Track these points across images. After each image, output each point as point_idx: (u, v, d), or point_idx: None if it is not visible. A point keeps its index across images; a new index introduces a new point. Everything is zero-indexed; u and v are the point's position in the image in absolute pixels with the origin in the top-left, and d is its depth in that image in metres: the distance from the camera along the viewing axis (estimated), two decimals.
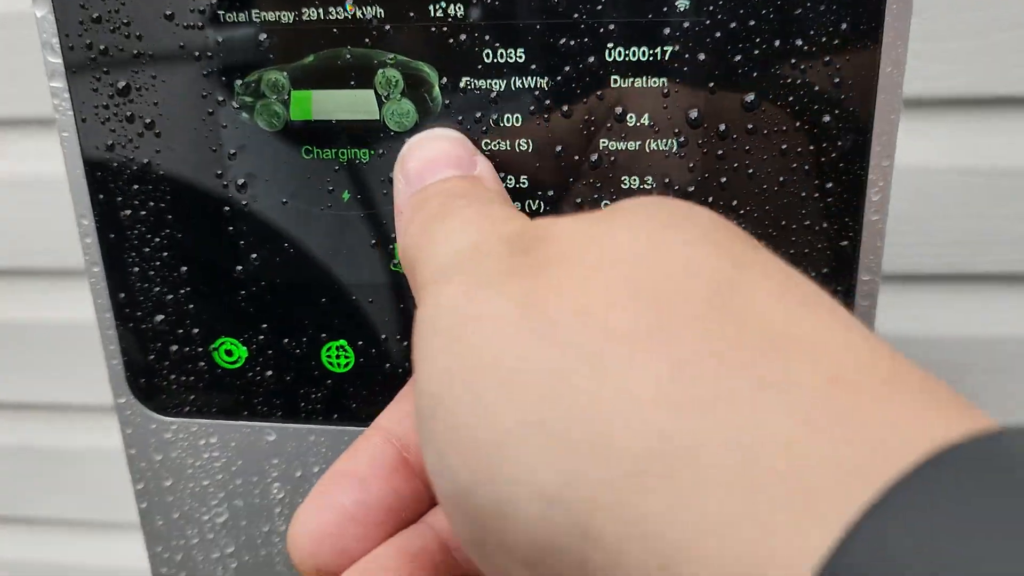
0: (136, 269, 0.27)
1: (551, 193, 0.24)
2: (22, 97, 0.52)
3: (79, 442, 0.63)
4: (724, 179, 0.24)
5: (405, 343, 0.27)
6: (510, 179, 0.24)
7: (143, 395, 0.28)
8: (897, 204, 0.49)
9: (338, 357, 0.27)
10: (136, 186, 0.26)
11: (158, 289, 0.27)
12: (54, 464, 0.64)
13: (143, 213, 0.26)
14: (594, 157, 0.24)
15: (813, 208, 0.24)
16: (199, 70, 0.24)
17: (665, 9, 0.22)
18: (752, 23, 0.22)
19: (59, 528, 0.67)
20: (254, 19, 0.24)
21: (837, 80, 0.22)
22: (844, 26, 0.22)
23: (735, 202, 0.24)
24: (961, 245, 0.49)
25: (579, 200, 0.24)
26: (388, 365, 0.27)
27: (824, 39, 0.22)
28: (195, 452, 0.29)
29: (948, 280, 0.51)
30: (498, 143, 0.24)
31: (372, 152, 0.25)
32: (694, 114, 0.23)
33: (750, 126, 0.23)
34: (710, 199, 0.24)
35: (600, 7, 0.22)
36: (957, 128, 0.47)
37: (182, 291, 0.27)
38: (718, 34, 0.22)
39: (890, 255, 0.50)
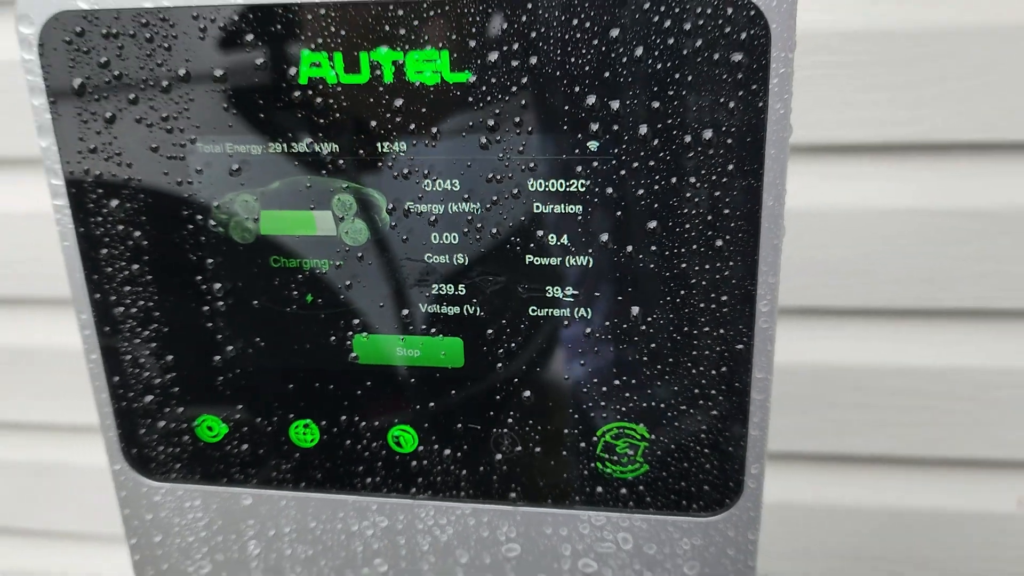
0: (129, 357, 0.30)
1: (485, 299, 0.28)
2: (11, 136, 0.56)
3: (68, 458, 0.67)
4: (632, 291, 0.27)
5: (363, 422, 0.31)
6: (449, 287, 0.28)
7: (136, 463, 0.32)
8: (866, 243, 0.52)
9: (304, 434, 0.31)
10: (127, 288, 0.30)
11: (148, 374, 0.31)
12: (44, 479, 0.68)
13: (134, 311, 0.30)
14: (521, 272, 0.28)
15: (712, 317, 0.27)
16: (181, 193, 0.28)
17: (578, 150, 0.26)
18: (651, 163, 0.26)
19: (45, 539, 0.71)
20: (228, 152, 0.27)
21: (726, 211, 0.26)
22: (730, 167, 0.25)
23: (643, 311, 0.27)
24: (928, 283, 0.53)
25: (509, 306, 0.28)
26: (349, 441, 0.31)
27: (713, 177, 0.26)
28: (181, 512, 0.33)
29: (916, 315, 0.54)
30: (440, 258, 0.28)
31: (330, 263, 0.28)
32: (604, 237, 0.27)
33: (653, 248, 0.27)
34: (622, 309, 0.27)
35: (522, 148, 0.26)
36: (921, 172, 0.51)
37: (169, 376, 0.31)
38: (623, 171, 0.26)
39: (860, 291, 0.53)
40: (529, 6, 0.25)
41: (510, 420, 0.30)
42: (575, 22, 0.25)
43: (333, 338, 0.29)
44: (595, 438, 0.30)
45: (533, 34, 0.25)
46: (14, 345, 0.64)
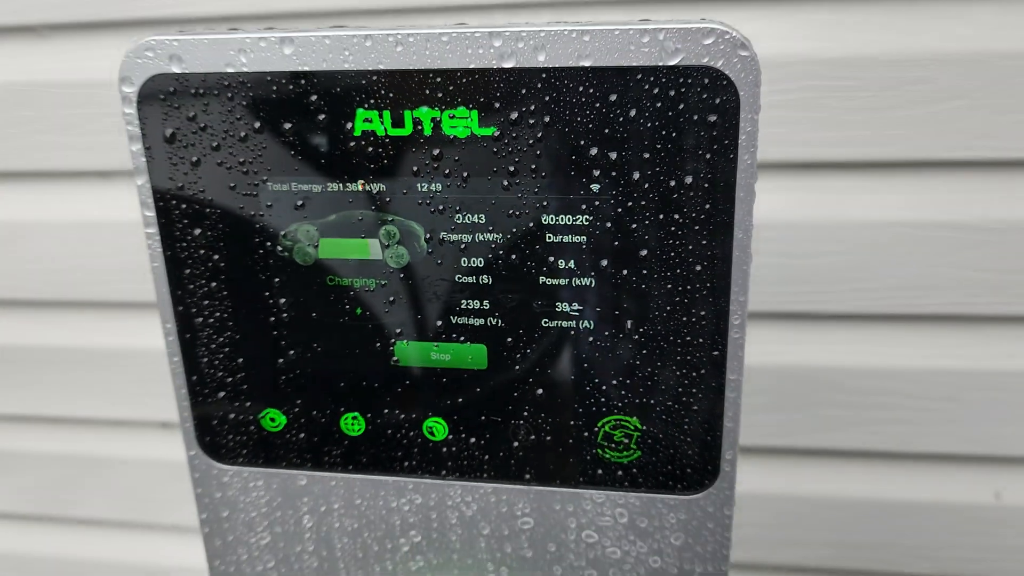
0: (205, 360, 0.36)
1: (505, 312, 0.34)
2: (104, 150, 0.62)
3: (130, 452, 0.73)
4: (627, 306, 0.33)
5: (402, 415, 0.36)
6: (475, 303, 0.34)
7: (208, 449, 0.38)
8: (853, 253, 0.57)
9: (353, 424, 0.37)
10: (206, 302, 0.35)
11: (221, 374, 0.36)
12: (107, 471, 0.74)
13: (211, 321, 0.36)
14: (535, 290, 0.33)
15: (693, 328, 0.33)
16: (253, 223, 0.34)
17: (583, 191, 0.31)
18: (643, 202, 0.31)
19: (108, 528, 0.77)
20: (294, 190, 0.33)
21: (704, 242, 0.31)
22: (707, 206, 0.31)
23: (636, 323, 0.33)
24: (910, 289, 0.57)
25: (525, 318, 0.34)
26: (390, 431, 0.37)
27: (693, 214, 0.31)
28: (245, 491, 0.39)
29: (898, 320, 0.59)
30: (468, 278, 0.33)
31: (376, 282, 0.34)
32: (604, 262, 0.32)
33: (644, 271, 0.32)
34: (618, 320, 0.33)
35: (537, 190, 0.32)
36: (904, 187, 0.55)
37: (239, 376, 0.36)
38: (620, 209, 0.31)
39: (848, 296, 0.58)
40: (543, 75, 0.30)
41: (525, 413, 0.35)
42: (580, 89, 0.30)
43: (378, 344, 0.35)
44: (596, 428, 0.35)
45: (547, 98, 0.31)
46: (77, 345, 0.70)
